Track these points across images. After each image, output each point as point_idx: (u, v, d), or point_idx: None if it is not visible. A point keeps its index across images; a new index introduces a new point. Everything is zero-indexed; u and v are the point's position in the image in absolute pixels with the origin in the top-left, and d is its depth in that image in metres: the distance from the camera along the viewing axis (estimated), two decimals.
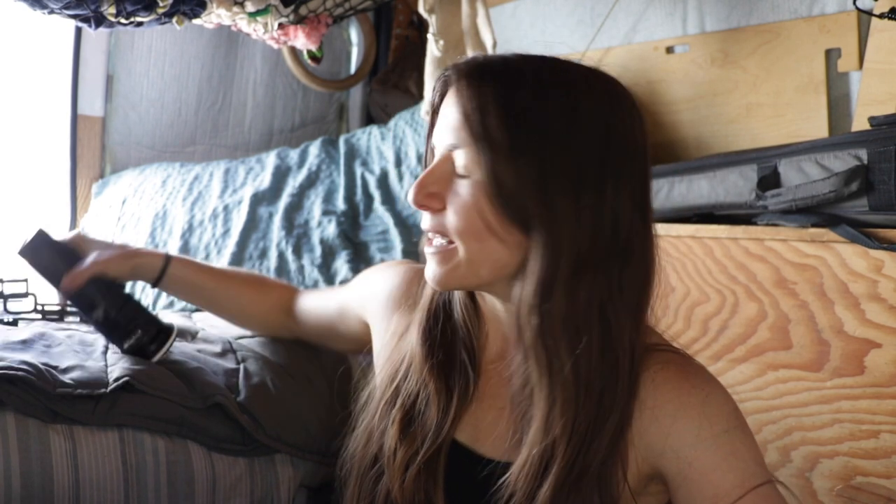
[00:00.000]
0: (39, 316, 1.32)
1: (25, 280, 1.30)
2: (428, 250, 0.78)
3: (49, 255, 1.11)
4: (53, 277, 1.11)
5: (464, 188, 0.74)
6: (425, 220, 0.78)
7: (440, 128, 0.77)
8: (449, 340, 0.85)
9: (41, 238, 1.12)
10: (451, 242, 0.76)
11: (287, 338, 1.23)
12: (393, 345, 0.92)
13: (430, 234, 0.78)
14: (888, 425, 1.05)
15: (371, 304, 1.02)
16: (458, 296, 0.86)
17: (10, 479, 0.92)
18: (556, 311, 0.72)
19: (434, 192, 0.76)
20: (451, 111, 0.75)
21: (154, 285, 1.16)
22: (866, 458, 1.07)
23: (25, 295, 1.30)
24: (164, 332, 1.11)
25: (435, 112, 0.79)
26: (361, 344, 1.07)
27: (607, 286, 0.73)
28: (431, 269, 0.78)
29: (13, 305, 1.30)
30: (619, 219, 0.73)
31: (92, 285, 1.09)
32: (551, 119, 0.71)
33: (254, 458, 1.07)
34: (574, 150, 0.71)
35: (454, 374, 0.83)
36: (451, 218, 0.74)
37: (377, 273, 1.06)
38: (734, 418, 0.75)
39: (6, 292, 1.29)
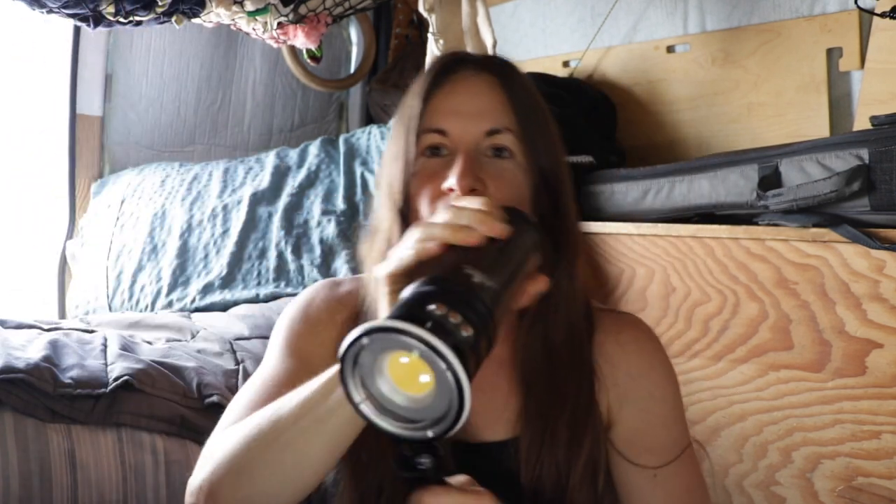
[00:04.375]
0: None
1: None
2: None
3: None
4: None
5: (509, 168, 0.80)
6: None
7: (457, 114, 0.80)
8: None
9: None
10: None
11: None
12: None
13: None
14: (890, 426, 1.05)
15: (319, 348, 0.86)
16: None
17: (9, 479, 0.91)
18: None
19: (479, 176, 0.78)
20: (476, 98, 0.81)
21: None
22: (868, 459, 1.07)
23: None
24: None
25: (428, 97, 0.83)
26: None
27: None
28: None
29: None
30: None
31: None
32: (543, 105, 0.85)
33: None
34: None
35: None
36: (497, 195, 0.77)
37: (292, 313, 0.89)
38: (676, 382, 0.88)
39: None
